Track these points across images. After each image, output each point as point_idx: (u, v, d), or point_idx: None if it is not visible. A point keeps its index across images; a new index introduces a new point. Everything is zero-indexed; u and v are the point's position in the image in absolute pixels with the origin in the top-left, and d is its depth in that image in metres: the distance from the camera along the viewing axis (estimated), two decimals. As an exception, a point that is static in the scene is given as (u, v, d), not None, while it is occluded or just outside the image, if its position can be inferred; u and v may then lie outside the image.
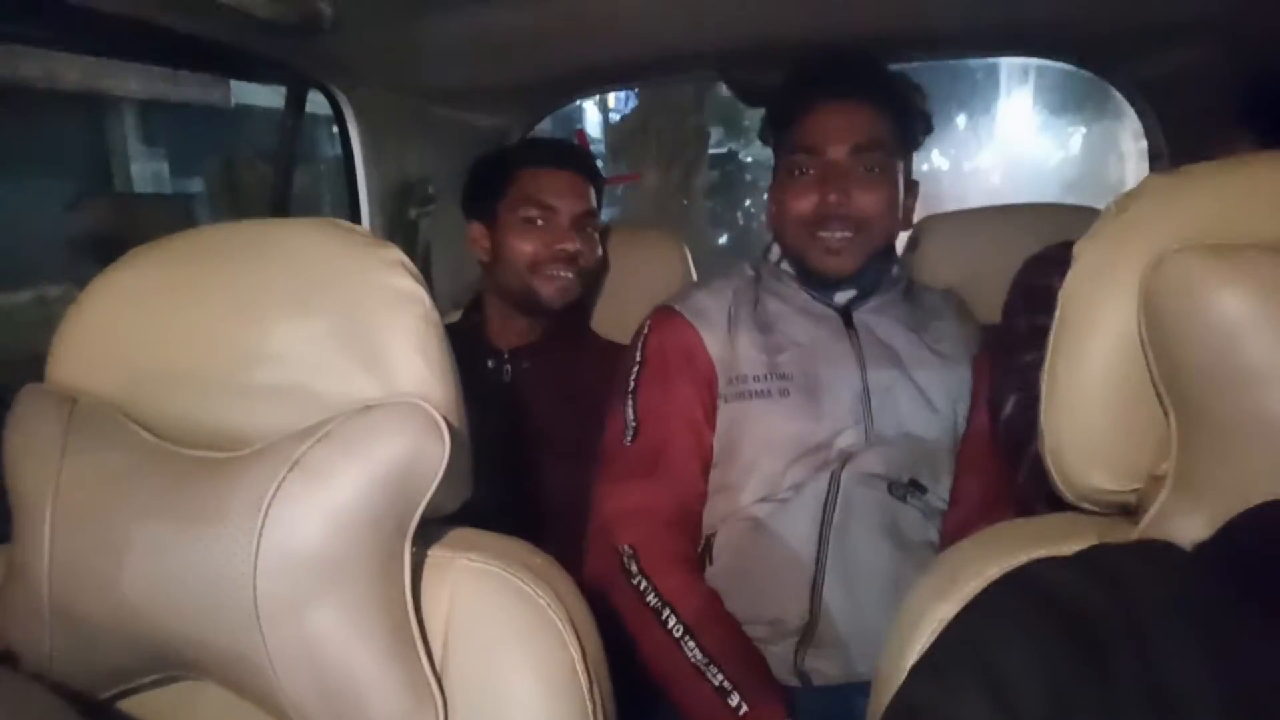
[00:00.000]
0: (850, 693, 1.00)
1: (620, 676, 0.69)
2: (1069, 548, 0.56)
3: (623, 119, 7.39)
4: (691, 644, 0.99)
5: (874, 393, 1.11)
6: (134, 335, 0.65)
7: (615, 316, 1.50)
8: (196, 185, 6.83)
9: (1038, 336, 0.62)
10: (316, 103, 1.41)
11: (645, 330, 1.19)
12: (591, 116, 7.81)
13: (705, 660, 0.97)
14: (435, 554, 0.65)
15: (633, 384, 1.14)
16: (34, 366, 0.68)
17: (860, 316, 1.17)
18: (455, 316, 1.47)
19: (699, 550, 1.12)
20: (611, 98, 7.32)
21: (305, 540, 0.55)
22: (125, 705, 0.63)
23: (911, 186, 1.20)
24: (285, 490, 0.55)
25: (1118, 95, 1.70)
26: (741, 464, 1.10)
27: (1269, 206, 0.54)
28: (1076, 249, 0.60)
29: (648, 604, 1.01)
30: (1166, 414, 0.54)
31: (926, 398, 1.12)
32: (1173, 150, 1.60)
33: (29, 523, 0.59)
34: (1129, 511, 0.60)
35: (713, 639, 0.99)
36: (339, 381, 0.62)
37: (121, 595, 0.57)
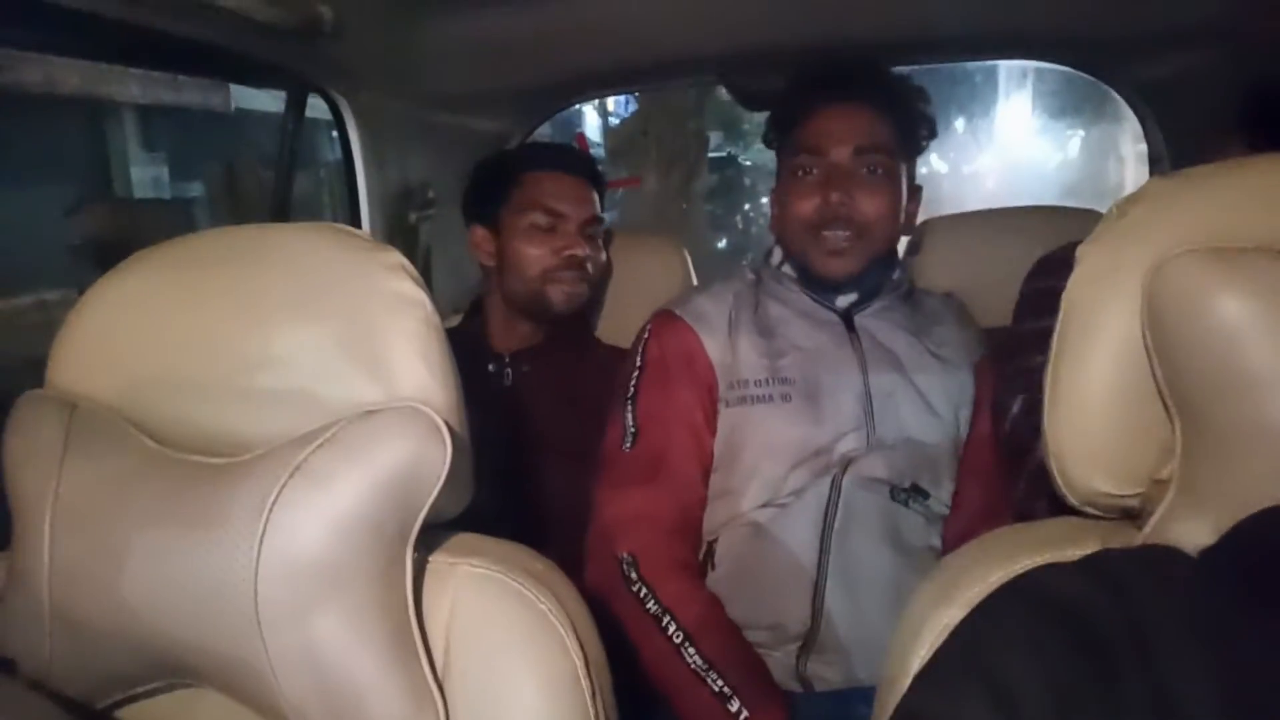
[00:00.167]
0: (852, 698, 0.99)
1: (622, 683, 0.68)
2: (1072, 553, 0.56)
3: (622, 123, 7.40)
4: (691, 650, 0.98)
5: (875, 397, 1.11)
6: (134, 340, 0.65)
7: (615, 321, 1.50)
8: (196, 190, 6.83)
9: (1045, 339, 0.62)
10: (317, 107, 1.41)
11: (645, 335, 1.18)
12: (591, 120, 7.82)
13: (705, 666, 0.97)
14: (437, 559, 0.64)
15: (632, 389, 1.14)
16: (34, 371, 0.68)
17: (862, 320, 1.17)
18: (455, 320, 1.47)
19: (700, 556, 1.11)
20: (611, 101, 7.34)
21: (307, 546, 0.55)
22: (125, 713, 0.63)
23: (914, 191, 1.20)
24: (287, 495, 0.55)
25: (1117, 98, 1.71)
26: (743, 469, 1.10)
27: (1271, 209, 0.54)
28: (1079, 253, 0.60)
29: (648, 611, 1.01)
30: (1170, 418, 0.54)
31: (928, 402, 1.12)
32: (1173, 154, 1.60)
33: (29, 529, 0.59)
34: (1132, 516, 0.60)
35: (713, 645, 0.99)
36: (340, 386, 0.61)
37: (122, 601, 0.56)
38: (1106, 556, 0.52)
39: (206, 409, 0.63)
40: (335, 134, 1.43)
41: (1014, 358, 1.07)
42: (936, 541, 1.10)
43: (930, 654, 0.55)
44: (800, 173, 1.15)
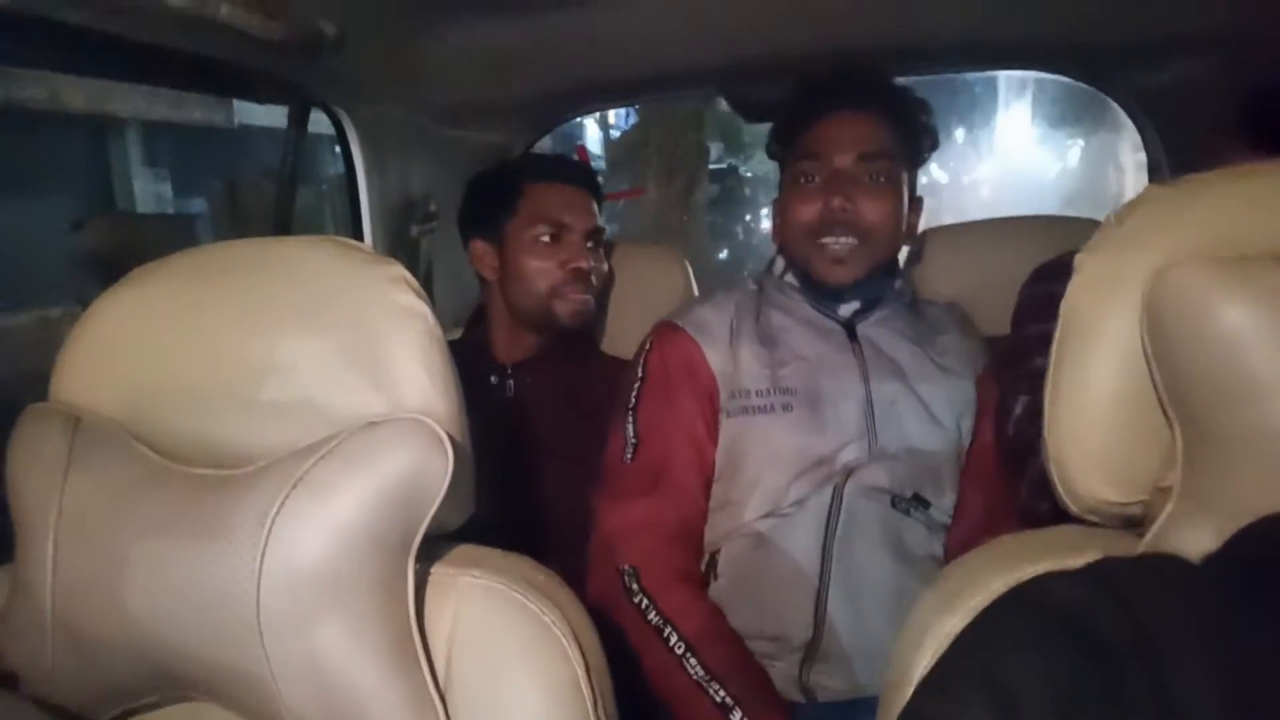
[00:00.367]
0: (855, 708, 0.99)
1: (624, 694, 0.68)
2: (1074, 561, 0.56)
3: (623, 135, 7.43)
4: (693, 661, 0.98)
5: (878, 406, 1.11)
6: (137, 353, 0.65)
7: (617, 332, 1.50)
8: (199, 205, 6.86)
9: (1045, 341, 0.62)
10: (320, 122, 1.42)
11: (647, 346, 1.19)
12: (592, 133, 7.85)
13: (707, 677, 0.97)
14: (439, 570, 0.64)
15: (634, 400, 1.14)
16: (37, 388, 0.68)
17: (864, 329, 1.17)
18: (457, 334, 1.47)
19: (702, 566, 1.11)
20: (612, 114, 7.37)
21: (309, 557, 0.55)
22: None
23: (916, 202, 1.20)
24: (289, 507, 0.55)
25: (1116, 107, 1.71)
26: (745, 480, 1.09)
27: (1271, 217, 0.54)
28: (1077, 261, 0.60)
29: (649, 622, 1.01)
30: (1171, 426, 0.54)
31: (930, 411, 1.12)
32: (1172, 162, 1.60)
33: (32, 541, 0.59)
34: (1134, 524, 0.59)
35: (714, 656, 0.99)
36: (343, 398, 0.62)
37: (124, 613, 0.56)
38: (1109, 564, 0.52)
39: (209, 421, 0.63)
40: (337, 148, 1.44)
41: (1015, 362, 1.07)
42: (939, 550, 1.10)
43: (933, 662, 0.55)
44: (803, 179, 1.15)
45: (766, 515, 1.08)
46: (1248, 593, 0.45)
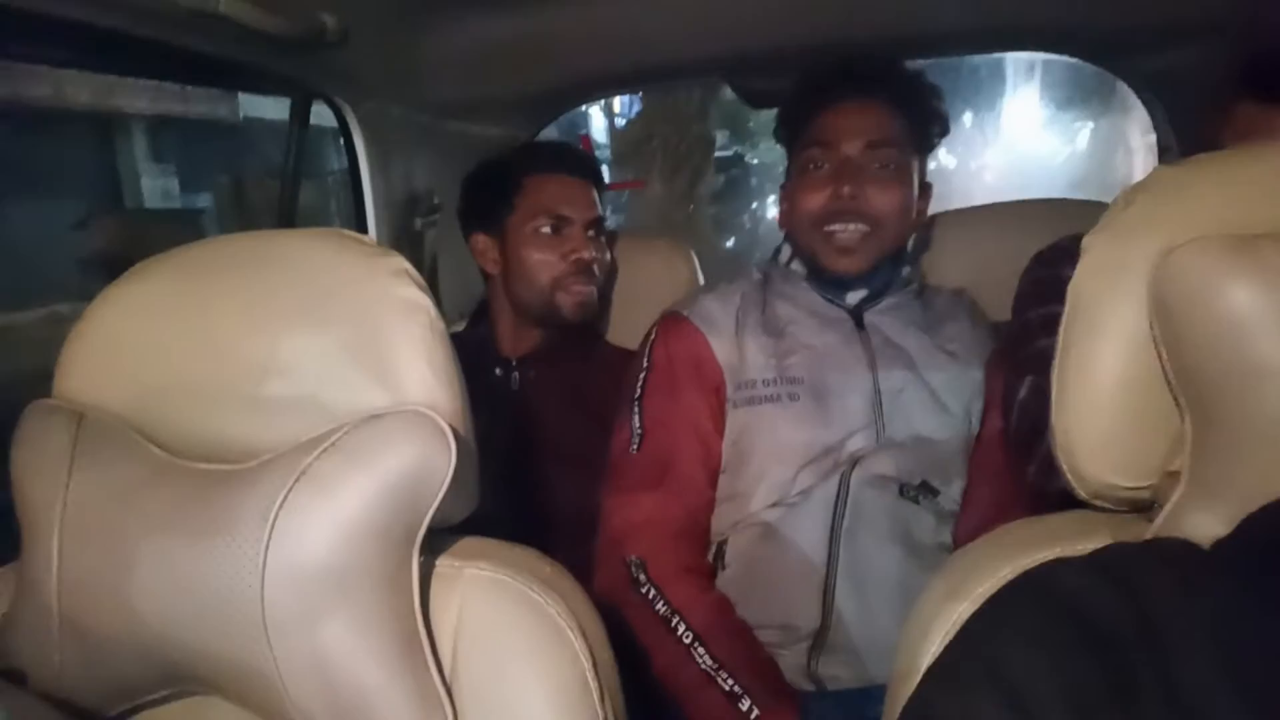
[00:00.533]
0: (864, 697, 0.99)
1: (632, 686, 0.68)
2: (1083, 546, 0.55)
3: (628, 124, 7.40)
4: (702, 651, 0.98)
5: (885, 395, 1.10)
6: (141, 348, 0.65)
7: (622, 323, 1.50)
8: (205, 200, 6.88)
9: (1051, 324, 0.61)
10: (326, 115, 1.41)
11: (652, 337, 1.18)
12: (597, 122, 7.82)
13: (715, 666, 0.97)
14: (444, 563, 0.64)
15: (639, 391, 1.14)
16: (47, 384, 0.68)
17: (871, 318, 1.16)
18: (460, 327, 1.47)
19: (709, 557, 1.11)
20: (616, 102, 7.33)
21: (313, 551, 0.55)
22: None
23: (925, 189, 1.19)
24: (292, 501, 0.55)
25: (1124, 89, 1.69)
26: (751, 471, 1.09)
27: None
28: (1084, 243, 0.59)
29: (657, 612, 1.01)
30: (1180, 410, 0.54)
31: (939, 400, 1.12)
32: (1182, 144, 1.58)
33: (37, 538, 0.59)
34: (1143, 508, 0.59)
35: (723, 646, 0.99)
36: (346, 391, 0.61)
37: (130, 609, 0.57)
38: (1117, 551, 0.52)
39: (213, 416, 0.63)
40: (342, 141, 1.44)
41: (1019, 345, 1.07)
42: (947, 539, 1.09)
43: (941, 649, 0.55)
44: (811, 166, 1.15)
45: (773, 505, 1.08)
46: (1257, 578, 0.45)
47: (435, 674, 0.58)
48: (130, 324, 0.66)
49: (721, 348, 1.14)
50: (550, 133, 1.95)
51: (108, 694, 0.61)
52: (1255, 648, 0.42)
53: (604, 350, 1.43)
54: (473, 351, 1.36)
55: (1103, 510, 0.62)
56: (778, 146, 1.27)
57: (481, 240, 1.38)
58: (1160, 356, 0.54)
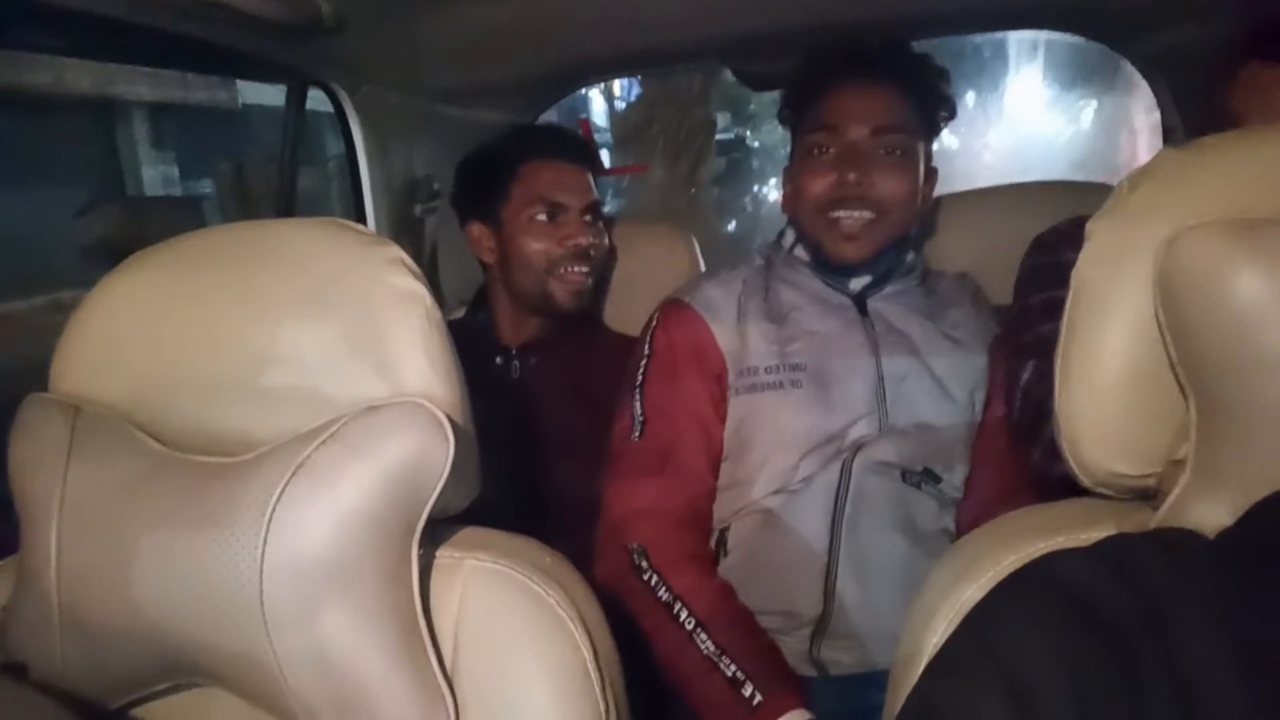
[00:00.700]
0: (866, 682, 0.99)
1: (634, 676, 0.68)
2: (1088, 535, 0.55)
3: (628, 108, 7.35)
4: (704, 637, 0.98)
5: (889, 382, 1.10)
6: (137, 341, 0.65)
7: (623, 311, 1.49)
8: (206, 186, 6.87)
9: (1053, 308, 0.61)
10: (324, 101, 1.40)
11: (653, 324, 1.18)
12: (596, 106, 7.78)
13: (718, 652, 0.97)
14: (444, 554, 0.64)
15: (640, 379, 1.14)
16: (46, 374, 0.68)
17: (875, 304, 1.15)
18: (460, 313, 1.46)
19: (711, 544, 1.11)
20: (616, 85, 7.28)
21: (311, 543, 0.55)
22: (137, 713, 0.63)
23: (931, 173, 1.18)
24: (290, 493, 0.55)
25: (1129, 68, 1.67)
26: (753, 459, 1.09)
27: None
28: (1088, 228, 0.58)
29: (659, 599, 1.01)
30: (1185, 397, 0.53)
31: (942, 386, 1.11)
32: (1187, 123, 1.57)
33: (36, 532, 0.59)
34: (1148, 497, 0.59)
35: (725, 632, 0.99)
36: (343, 382, 0.61)
37: (130, 602, 0.56)
38: (1121, 540, 0.51)
39: (210, 409, 0.63)
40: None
41: (1021, 329, 1.06)
42: (949, 525, 1.09)
43: (945, 635, 0.54)
44: (816, 151, 1.13)
45: (775, 492, 1.07)
46: (1262, 568, 0.44)
47: (435, 665, 0.58)
48: (125, 316, 0.65)
49: (723, 334, 1.13)
50: (550, 116, 1.93)
51: (109, 686, 0.61)
52: (1261, 637, 0.42)
53: (604, 337, 1.43)
54: (473, 340, 1.35)
55: (1107, 498, 0.61)
56: (780, 129, 1.26)
57: (477, 229, 1.36)
58: (1165, 343, 0.53)
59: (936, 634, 0.59)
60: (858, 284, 1.16)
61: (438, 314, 0.64)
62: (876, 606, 1.02)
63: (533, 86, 1.77)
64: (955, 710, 0.45)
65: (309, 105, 1.40)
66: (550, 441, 1.27)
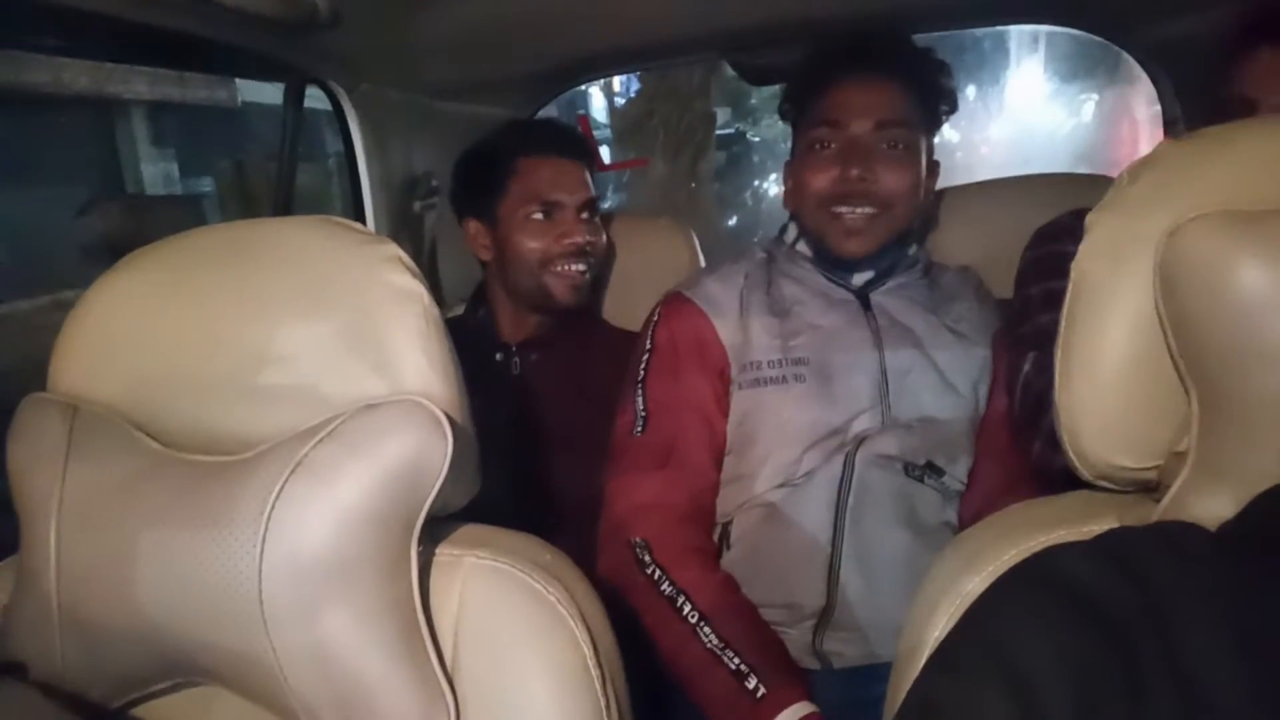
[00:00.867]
0: (869, 674, 0.99)
1: (636, 672, 0.68)
2: (1089, 528, 0.55)
3: (628, 103, 7.34)
4: (708, 630, 0.98)
5: (892, 376, 1.10)
6: (134, 340, 0.64)
7: (622, 306, 1.49)
8: (206, 184, 6.87)
9: (1052, 299, 0.61)
10: (324, 98, 1.40)
11: (655, 319, 1.17)
12: (596, 102, 7.77)
13: (722, 645, 0.97)
14: (443, 552, 0.64)
15: (642, 374, 1.13)
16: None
17: (878, 299, 1.15)
18: (460, 310, 1.46)
19: (714, 539, 1.11)
20: (616, 81, 7.28)
21: (310, 542, 0.55)
22: (138, 712, 0.63)
23: (933, 167, 1.18)
24: (289, 492, 0.55)
25: (1130, 61, 1.67)
26: (756, 453, 1.09)
27: None
28: (1088, 220, 0.58)
29: (662, 593, 1.01)
30: (1186, 390, 0.53)
31: (946, 380, 1.11)
32: (1188, 115, 1.56)
33: (35, 532, 0.59)
34: (1149, 489, 0.58)
35: (729, 625, 0.99)
36: (341, 381, 0.61)
37: (130, 602, 0.57)
38: (1122, 534, 0.51)
39: (208, 408, 0.63)
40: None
41: (1021, 321, 1.06)
42: (952, 518, 1.09)
43: (946, 628, 0.54)
44: (818, 146, 1.13)
45: (778, 486, 1.07)
46: (1264, 560, 0.44)
47: (435, 662, 0.58)
48: (122, 316, 0.65)
49: (725, 329, 1.13)
50: (549, 112, 1.93)
51: (110, 685, 0.61)
52: (1263, 630, 0.41)
53: (604, 333, 1.42)
54: (472, 337, 1.35)
55: (1108, 491, 0.61)
56: (780, 123, 1.26)
57: (474, 226, 1.36)
58: (1166, 335, 0.53)
59: (938, 627, 0.60)
60: (860, 279, 1.16)
61: (436, 311, 0.63)
62: (879, 599, 1.02)
63: (531, 82, 1.77)
64: (956, 705, 0.45)
65: (310, 104, 1.39)
66: (551, 438, 1.26)
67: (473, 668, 0.60)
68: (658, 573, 1.02)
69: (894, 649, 0.66)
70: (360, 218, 1.42)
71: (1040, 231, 1.12)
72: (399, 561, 0.58)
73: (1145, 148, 0.60)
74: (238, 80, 6.29)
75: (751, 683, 0.94)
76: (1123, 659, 0.43)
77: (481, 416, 0.66)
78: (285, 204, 1.42)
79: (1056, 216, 1.11)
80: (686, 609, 1.00)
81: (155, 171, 6.94)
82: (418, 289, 0.63)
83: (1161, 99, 1.63)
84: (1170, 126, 1.63)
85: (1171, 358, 0.53)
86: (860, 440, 1.07)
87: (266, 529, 0.54)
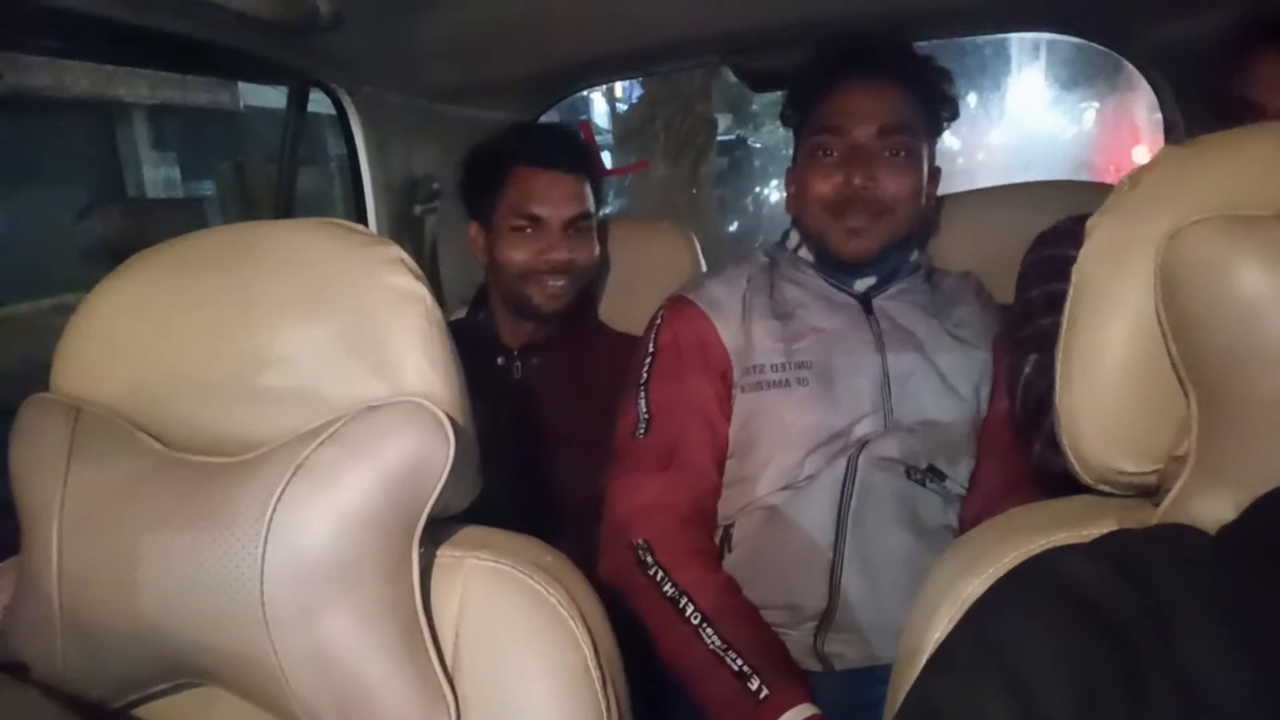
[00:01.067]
0: (871, 676, 0.99)
1: (638, 674, 0.68)
2: (1089, 531, 0.55)
3: (630, 109, 7.35)
4: (710, 631, 0.98)
5: (894, 380, 1.10)
6: (136, 342, 0.65)
7: (623, 309, 1.49)
8: (208, 188, 6.88)
9: (1053, 301, 0.61)
10: (325, 102, 1.40)
11: (658, 321, 1.18)
12: (599, 107, 7.78)
13: (724, 647, 0.97)
14: (444, 553, 0.64)
15: (645, 376, 1.13)
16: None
17: (880, 303, 1.15)
18: (462, 313, 1.46)
19: (716, 541, 1.11)
20: (619, 87, 7.29)
21: (312, 543, 0.55)
22: (139, 713, 0.63)
23: (934, 172, 1.18)
24: (290, 493, 0.55)
25: (1130, 68, 1.67)
26: (758, 456, 1.09)
27: None
28: (1089, 225, 0.58)
29: (664, 594, 1.01)
30: (1186, 393, 0.53)
31: (948, 383, 1.11)
32: (1188, 121, 1.57)
33: (37, 533, 0.59)
34: (1149, 493, 0.58)
35: (731, 626, 0.99)
36: (343, 383, 0.61)
37: (131, 603, 0.56)
38: (1122, 537, 0.51)
39: (210, 409, 0.63)
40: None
41: (1022, 324, 1.07)
42: (953, 521, 1.09)
43: (947, 631, 0.54)
44: (821, 152, 1.13)
45: (781, 489, 1.07)
46: (1264, 564, 0.44)
47: (436, 664, 0.58)
48: (125, 318, 0.65)
49: (728, 332, 1.13)
50: (551, 117, 1.93)
51: (111, 686, 0.61)
52: (1263, 633, 0.41)
53: (605, 337, 1.42)
54: (474, 339, 1.35)
55: (1108, 494, 0.61)
56: (780, 130, 1.26)
57: (474, 228, 1.36)
58: (1166, 339, 0.53)
59: (938, 629, 0.60)
60: (863, 284, 1.16)
61: (438, 313, 0.63)
62: (881, 601, 1.02)
63: (533, 86, 1.77)
64: (955, 708, 0.45)
65: (312, 108, 1.40)
66: (553, 441, 1.27)
67: (473, 669, 0.60)
68: (660, 574, 1.02)
69: (895, 651, 0.66)
70: (362, 221, 1.43)
71: (1042, 235, 1.13)
72: (400, 563, 0.58)
73: (1145, 155, 0.60)
74: (240, 84, 6.31)
75: (754, 684, 0.94)
76: (1123, 661, 0.43)
77: (483, 419, 0.66)
78: (286, 207, 1.42)
79: (1058, 221, 1.11)
80: (689, 610, 1.00)
81: (157, 175, 6.95)
82: (420, 290, 0.63)
83: (1162, 105, 1.64)
84: (1170, 132, 1.63)
85: (1171, 361, 0.53)
86: (862, 443, 1.07)
87: (268, 530, 0.54)
